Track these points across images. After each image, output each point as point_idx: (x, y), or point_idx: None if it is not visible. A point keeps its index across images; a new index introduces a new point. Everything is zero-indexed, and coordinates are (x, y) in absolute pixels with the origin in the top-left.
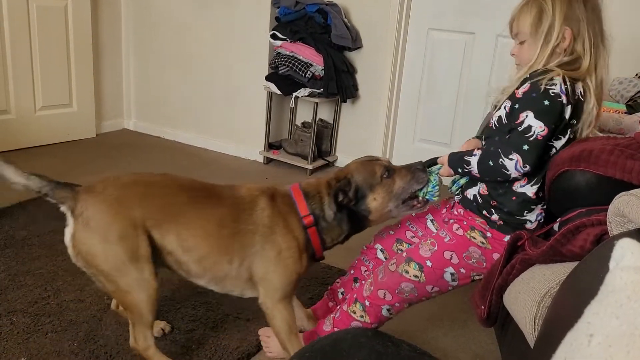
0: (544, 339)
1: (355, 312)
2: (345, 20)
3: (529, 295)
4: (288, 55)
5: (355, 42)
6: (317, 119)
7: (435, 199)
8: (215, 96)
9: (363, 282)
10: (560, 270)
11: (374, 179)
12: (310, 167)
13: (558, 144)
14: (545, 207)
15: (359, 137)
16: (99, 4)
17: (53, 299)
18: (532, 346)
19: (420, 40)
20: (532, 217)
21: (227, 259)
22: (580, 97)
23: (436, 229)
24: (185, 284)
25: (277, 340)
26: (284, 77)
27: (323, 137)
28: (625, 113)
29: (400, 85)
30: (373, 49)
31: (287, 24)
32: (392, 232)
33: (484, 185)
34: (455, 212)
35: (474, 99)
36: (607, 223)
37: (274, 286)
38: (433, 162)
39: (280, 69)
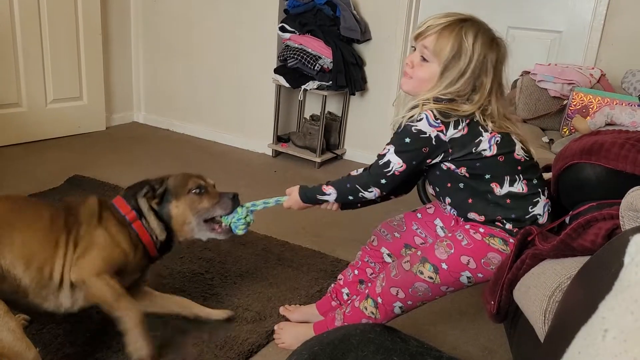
0: (556, 334)
1: (366, 308)
2: (354, 12)
3: (539, 290)
4: (297, 48)
5: (364, 35)
6: (326, 112)
7: (240, 232)
8: (224, 89)
9: (369, 284)
10: (571, 265)
11: (183, 189)
12: (318, 160)
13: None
14: (548, 197)
15: (367, 130)
16: None
17: None
18: (542, 340)
19: None
20: (540, 210)
21: (23, 262)
22: (464, 130)
23: (447, 232)
24: (195, 276)
25: (288, 331)
26: (293, 70)
27: (332, 130)
28: (638, 106)
29: None
30: (382, 41)
31: (295, 17)
32: (397, 235)
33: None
34: (467, 227)
35: None
36: (620, 217)
37: (86, 263)
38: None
39: (288, 61)
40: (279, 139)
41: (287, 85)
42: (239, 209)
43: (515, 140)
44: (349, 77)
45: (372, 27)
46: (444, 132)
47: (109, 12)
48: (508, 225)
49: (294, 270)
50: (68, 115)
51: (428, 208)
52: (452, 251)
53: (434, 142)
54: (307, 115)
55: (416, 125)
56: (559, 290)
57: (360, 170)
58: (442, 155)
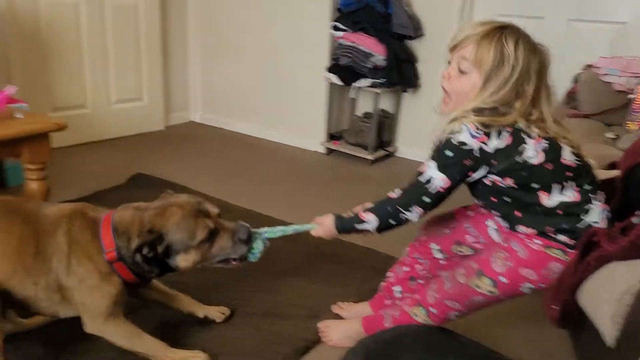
0: (628, 339)
1: (417, 315)
2: (407, 8)
3: (607, 293)
4: (349, 46)
5: (417, 31)
6: (379, 109)
7: (254, 260)
8: (277, 88)
9: (420, 280)
10: None
11: (192, 241)
12: (371, 157)
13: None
14: (613, 196)
15: (420, 127)
16: (167, 2)
17: None
18: (610, 345)
19: None
20: (596, 217)
21: (32, 280)
22: (508, 140)
23: (502, 240)
24: (247, 272)
25: (335, 327)
26: (345, 68)
27: (384, 127)
28: None
29: None
30: (435, 37)
31: (348, 15)
32: (447, 232)
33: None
34: (521, 235)
35: None
36: None
37: (92, 314)
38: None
39: (341, 59)
40: (331, 136)
41: (340, 83)
42: (254, 244)
43: (564, 145)
44: (401, 74)
45: (425, 23)
46: (487, 143)
47: (168, 16)
48: (561, 237)
49: (345, 268)
50: (130, 115)
51: (480, 206)
52: (511, 264)
53: (477, 155)
54: (359, 112)
55: (457, 138)
56: (629, 294)
57: (398, 190)
58: (486, 168)
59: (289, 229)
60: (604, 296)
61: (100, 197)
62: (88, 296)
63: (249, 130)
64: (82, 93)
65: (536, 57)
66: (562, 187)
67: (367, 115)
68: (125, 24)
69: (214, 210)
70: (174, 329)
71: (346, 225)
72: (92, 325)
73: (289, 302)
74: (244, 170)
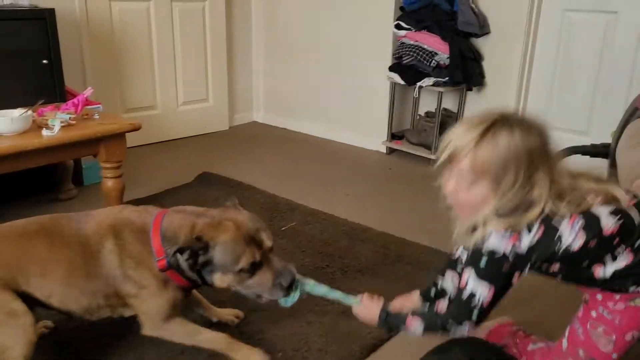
0: None
1: None
2: (473, 5)
3: None
4: (412, 45)
5: (483, 28)
6: (442, 109)
7: (286, 306)
8: (339, 88)
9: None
10: None
11: (233, 266)
12: (433, 157)
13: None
14: None
15: None
16: (232, 5)
17: None
18: None
19: (554, 22)
20: None
21: (90, 297)
22: (539, 232)
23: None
24: (317, 269)
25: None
26: (408, 67)
27: (447, 126)
28: None
29: (530, 72)
30: (501, 34)
31: (411, 13)
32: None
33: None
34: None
35: (615, 86)
36: None
37: (148, 317)
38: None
39: (404, 59)
40: (393, 136)
41: (403, 82)
42: (292, 292)
43: (599, 209)
44: (466, 72)
45: (491, 20)
46: (519, 242)
47: (233, 19)
48: (633, 288)
49: (412, 267)
50: (196, 116)
51: None
52: (614, 337)
53: (512, 259)
54: (421, 112)
55: (487, 247)
56: None
57: (446, 301)
58: (527, 265)
59: (333, 294)
60: None
61: (170, 195)
62: (146, 302)
63: (310, 130)
64: (152, 95)
65: (535, 138)
66: (615, 256)
67: (429, 115)
68: (192, 27)
69: (267, 242)
70: (247, 325)
71: (390, 324)
72: (151, 329)
73: None
74: (306, 169)
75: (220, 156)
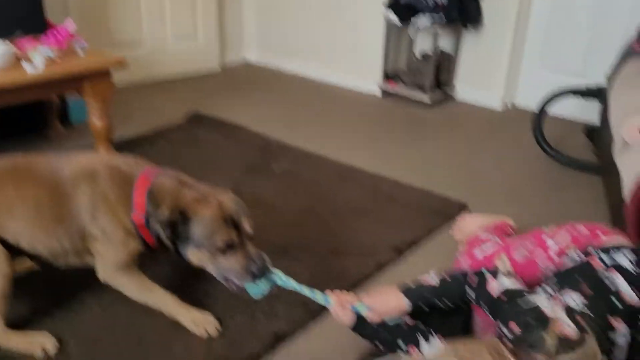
0: None
1: None
2: None
3: None
4: None
5: None
6: (437, 49)
7: (255, 297)
8: (333, 28)
9: None
10: None
11: (207, 241)
12: (428, 99)
13: None
14: None
15: (481, 67)
16: None
17: None
18: None
19: None
20: None
21: (56, 240)
22: None
23: None
24: (307, 210)
25: (470, 221)
26: (405, 6)
27: (442, 67)
28: None
29: (528, 13)
30: None
31: None
32: None
33: None
34: None
35: (613, 28)
36: None
37: (107, 264)
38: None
39: None
40: (388, 77)
41: (398, 23)
42: (263, 282)
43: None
44: (463, 9)
45: None
46: None
47: None
48: None
49: (402, 208)
50: (185, 54)
51: None
52: None
53: None
54: (417, 53)
55: None
56: None
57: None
58: None
59: (302, 289)
60: None
61: (160, 136)
62: (108, 247)
63: (304, 71)
64: (138, 29)
65: None
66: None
67: (425, 56)
68: None
69: (247, 229)
70: None
71: (364, 332)
72: (105, 274)
73: (346, 239)
74: (299, 111)
75: (212, 97)
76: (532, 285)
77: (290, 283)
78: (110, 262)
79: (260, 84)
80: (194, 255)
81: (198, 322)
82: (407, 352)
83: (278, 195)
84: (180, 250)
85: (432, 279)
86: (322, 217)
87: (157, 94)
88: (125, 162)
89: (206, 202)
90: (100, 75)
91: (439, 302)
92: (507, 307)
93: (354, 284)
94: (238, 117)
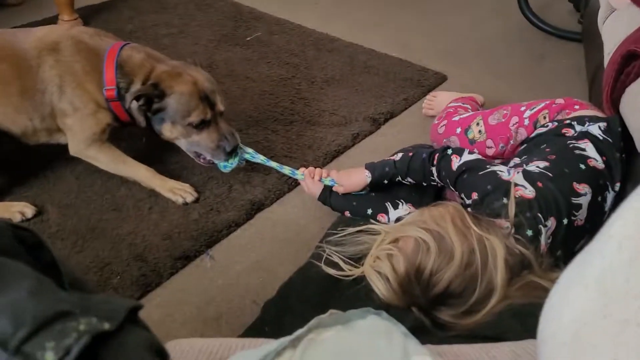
0: None
1: None
2: None
3: None
4: None
5: None
6: None
7: (224, 171)
8: None
9: None
10: None
11: (183, 119)
12: None
13: None
14: None
15: None
16: None
17: None
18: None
19: None
20: None
21: (26, 116)
22: None
23: None
24: (283, 80)
25: (442, 97)
26: None
27: None
28: None
29: None
30: None
31: None
32: None
33: None
34: None
35: None
36: None
37: (77, 138)
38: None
39: None
40: None
41: None
42: (232, 157)
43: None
44: None
45: None
46: None
47: None
48: None
49: (380, 78)
50: None
51: None
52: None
53: None
54: None
55: None
56: None
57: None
58: None
59: (270, 163)
60: None
61: (125, 1)
62: (78, 121)
63: None
64: None
65: None
66: None
67: None
68: None
69: (220, 106)
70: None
71: (334, 203)
72: (77, 148)
73: (323, 109)
74: None
75: None
76: (503, 143)
77: (259, 158)
78: (81, 136)
79: None
80: (167, 131)
81: (176, 190)
82: (377, 220)
83: (251, 65)
84: (152, 124)
85: (396, 155)
86: (297, 87)
87: None
88: (91, 35)
89: (181, 78)
90: None
91: (403, 181)
92: (466, 177)
93: (329, 154)
94: None
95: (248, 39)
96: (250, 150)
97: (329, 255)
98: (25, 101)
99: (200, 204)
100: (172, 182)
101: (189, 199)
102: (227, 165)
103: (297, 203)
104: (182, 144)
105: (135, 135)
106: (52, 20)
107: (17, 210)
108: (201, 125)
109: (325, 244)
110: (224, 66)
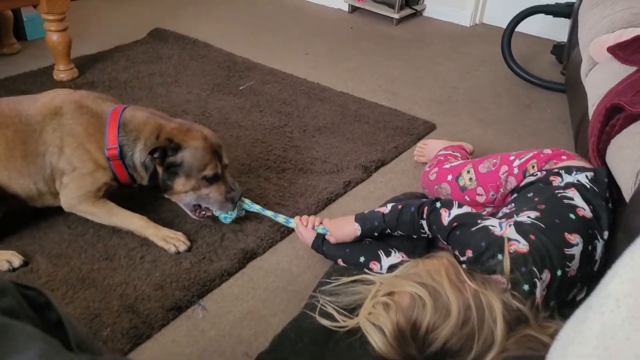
0: None
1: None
2: None
3: (633, 150)
4: None
5: None
6: None
7: (225, 222)
8: None
9: None
10: None
11: (199, 172)
12: (396, 16)
13: None
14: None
15: None
16: None
17: None
18: (627, 200)
19: None
20: None
21: (30, 180)
22: None
23: None
24: (275, 129)
25: (432, 145)
26: None
27: None
28: None
29: None
30: None
31: None
32: None
33: None
34: None
35: None
36: None
37: (71, 194)
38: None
39: None
40: None
41: None
42: (231, 210)
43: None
44: None
45: None
46: None
47: None
48: None
49: (370, 127)
50: None
51: None
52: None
53: None
54: None
55: None
56: None
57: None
58: None
59: (267, 212)
60: (629, 153)
61: (121, 51)
62: (75, 179)
63: None
64: None
65: None
66: None
67: None
68: None
69: (225, 160)
70: None
71: (327, 251)
72: (69, 203)
73: (315, 157)
74: (265, 27)
75: (173, 12)
76: (494, 191)
77: (255, 207)
78: (75, 193)
79: None
80: (180, 185)
81: (169, 239)
82: (369, 268)
83: (244, 113)
84: (160, 180)
85: (385, 208)
86: (290, 135)
87: (116, 8)
88: (94, 99)
89: (192, 133)
90: None
91: (393, 233)
92: (459, 233)
93: (321, 202)
94: (201, 33)
95: (241, 88)
96: (247, 200)
97: (323, 306)
98: (28, 165)
99: (192, 253)
100: (166, 231)
101: (182, 248)
102: (227, 217)
103: (289, 252)
104: (188, 198)
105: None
106: (49, 70)
107: (4, 259)
108: (213, 179)
109: (319, 293)
110: (218, 114)
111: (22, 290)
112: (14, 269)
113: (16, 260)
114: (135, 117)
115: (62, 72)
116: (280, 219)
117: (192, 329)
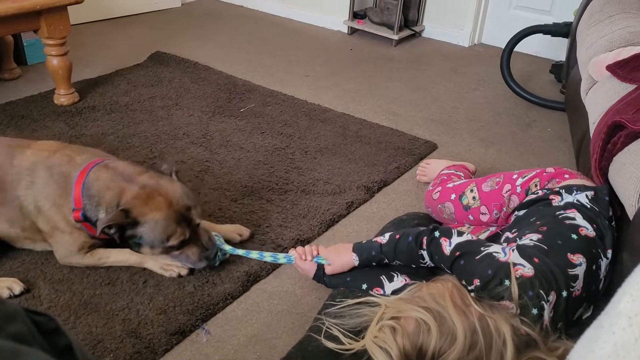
0: None
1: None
2: None
3: (635, 167)
4: None
5: None
6: None
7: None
8: None
9: None
10: None
11: (162, 243)
12: (396, 37)
13: None
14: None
15: (449, 4)
16: None
17: (158, 160)
18: (631, 218)
19: None
20: None
21: (6, 225)
22: None
23: None
24: (277, 150)
25: (435, 165)
26: None
27: (410, 5)
28: None
29: None
30: None
31: None
32: None
33: None
34: None
35: None
36: None
37: (59, 253)
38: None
39: None
40: (355, 15)
41: None
42: (213, 258)
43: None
44: None
45: None
46: None
47: None
48: None
49: (371, 147)
50: None
51: None
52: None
53: None
54: None
55: None
56: None
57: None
58: None
59: (251, 255)
60: (632, 170)
61: (121, 75)
62: (57, 239)
63: (270, 8)
64: None
65: None
66: None
67: None
68: None
69: (196, 220)
70: (206, 203)
71: (329, 280)
72: (61, 259)
73: (317, 178)
74: (265, 49)
75: (174, 35)
76: (497, 209)
77: (239, 252)
78: (62, 251)
79: (224, 21)
80: (147, 252)
81: (166, 267)
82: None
83: (245, 135)
84: (132, 248)
85: (383, 238)
86: (291, 157)
87: (116, 32)
88: (68, 155)
89: (152, 201)
90: (56, 12)
91: (391, 263)
92: (463, 263)
93: (324, 223)
94: (201, 56)
95: (242, 110)
96: (227, 247)
97: (329, 328)
98: (6, 211)
99: (195, 277)
100: (162, 259)
101: (183, 272)
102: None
103: (292, 274)
104: (162, 256)
105: None
106: (49, 94)
107: (5, 286)
108: (182, 245)
109: (324, 316)
110: (219, 137)
111: (32, 316)
112: (16, 296)
113: (17, 287)
114: (99, 179)
115: (63, 96)
116: (268, 258)
117: (196, 353)
